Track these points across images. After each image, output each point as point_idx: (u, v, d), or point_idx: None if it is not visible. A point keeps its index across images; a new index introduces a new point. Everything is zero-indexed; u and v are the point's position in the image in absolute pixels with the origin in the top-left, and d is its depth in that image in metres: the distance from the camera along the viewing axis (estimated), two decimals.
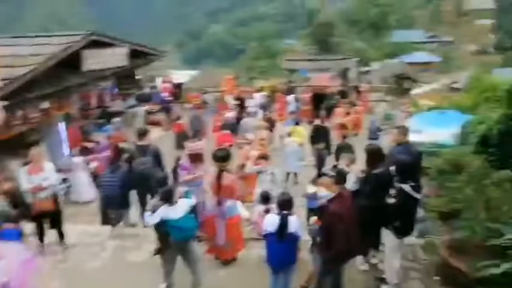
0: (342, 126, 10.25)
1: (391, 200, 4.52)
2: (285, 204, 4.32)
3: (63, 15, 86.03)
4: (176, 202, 4.62)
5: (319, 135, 10.50)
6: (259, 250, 5.39)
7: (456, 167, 5.60)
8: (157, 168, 6.45)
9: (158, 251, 4.71)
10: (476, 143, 6.35)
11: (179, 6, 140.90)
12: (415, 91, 16.36)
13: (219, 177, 4.93)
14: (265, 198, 5.78)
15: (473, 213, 4.55)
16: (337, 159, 9.48)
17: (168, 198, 4.58)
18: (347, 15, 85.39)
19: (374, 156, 4.79)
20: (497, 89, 10.91)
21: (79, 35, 10.48)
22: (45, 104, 9.97)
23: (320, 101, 15.74)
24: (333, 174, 3.82)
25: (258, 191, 6.69)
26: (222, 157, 4.95)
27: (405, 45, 69.25)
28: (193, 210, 4.90)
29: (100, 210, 7.20)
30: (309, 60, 19.19)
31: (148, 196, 6.36)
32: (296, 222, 4.32)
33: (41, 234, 5.82)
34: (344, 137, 9.55)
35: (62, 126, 11.36)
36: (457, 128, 8.46)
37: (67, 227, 6.07)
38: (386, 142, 11.99)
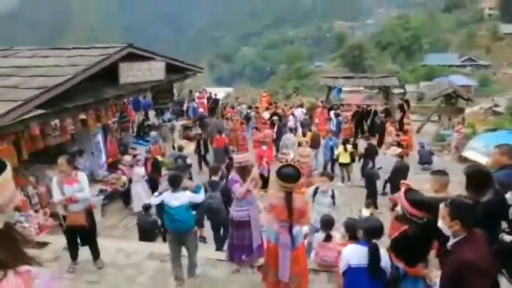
0: (398, 146, 9.45)
1: (507, 238, 3.55)
2: (376, 232, 3.46)
3: (100, 39, 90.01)
4: (179, 191, 4.61)
5: (369, 155, 9.69)
6: (320, 285, 4.64)
7: None
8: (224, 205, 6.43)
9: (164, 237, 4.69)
10: None
11: (212, 29, 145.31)
12: (468, 111, 15.21)
13: (289, 199, 3.96)
14: (327, 224, 4.95)
15: None
16: (392, 181, 8.67)
17: (172, 184, 4.64)
18: (378, 39, 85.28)
19: (480, 180, 3.79)
20: None
21: (116, 47, 10.24)
22: (82, 115, 9.66)
23: (362, 119, 14.93)
24: (449, 204, 2.82)
25: (313, 214, 5.86)
26: (292, 176, 3.95)
27: (440, 68, 67.77)
28: (197, 206, 4.87)
29: (139, 226, 6.72)
30: (348, 77, 18.25)
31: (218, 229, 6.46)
32: (386, 255, 3.50)
33: (73, 251, 5.24)
34: (401, 157, 8.65)
35: (99, 137, 11.17)
36: None
37: (103, 243, 5.46)
38: (439, 165, 11.15)
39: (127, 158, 10.76)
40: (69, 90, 8.77)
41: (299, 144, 11.17)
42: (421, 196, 3.43)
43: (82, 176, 5.05)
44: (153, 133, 13.06)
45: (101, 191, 9.64)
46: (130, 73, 10.93)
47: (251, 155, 5.22)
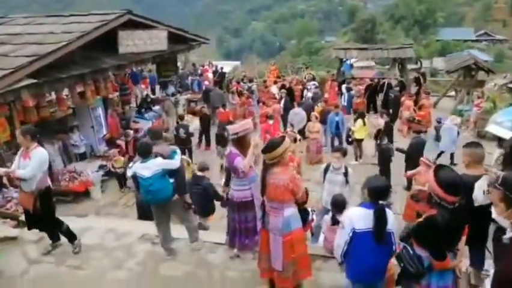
0: (418, 122, 8.89)
1: None
2: (381, 193, 2.99)
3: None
4: (150, 159, 4.17)
5: (387, 132, 9.11)
6: (330, 274, 4.08)
7: None
8: None
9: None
10: None
11: (220, 3, 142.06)
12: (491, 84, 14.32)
13: (263, 172, 3.51)
14: (337, 205, 4.38)
15: None
16: (407, 158, 8.09)
17: (142, 153, 4.23)
18: (391, 12, 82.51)
19: None
20: None
21: (115, 13, 9.63)
22: (80, 87, 9.15)
23: (375, 93, 14.20)
24: (501, 185, 2.17)
25: (323, 194, 5.32)
26: (269, 145, 3.47)
27: (454, 43, 65.46)
28: (174, 173, 4.33)
29: (138, 203, 6.34)
30: (361, 49, 17.30)
31: None
32: (393, 218, 3.05)
33: (47, 233, 4.68)
34: (419, 132, 8.04)
35: (100, 111, 10.73)
36: None
37: (93, 223, 5.02)
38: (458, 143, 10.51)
39: (129, 133, 10.34)
40: (64, 59, 8.26)
41: (308, 119, 10.62)
42: (455, 175, 2.82)
43: (36, 153, 4.22)
44: (156, 107, 12.56)
45: (101, 167, 9.26)
46: (130, 42, 10.39)
47: (250, 121, 4.43)
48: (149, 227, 4.83)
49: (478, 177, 3.31)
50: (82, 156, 9.92)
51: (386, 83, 13.99)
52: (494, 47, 68.87)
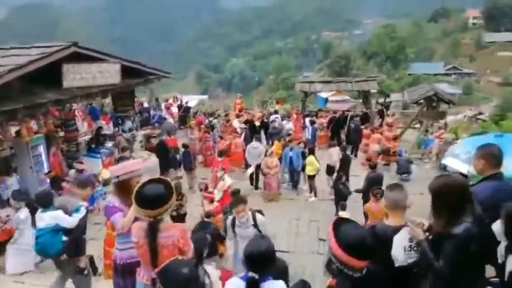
0: (393, 153, 8.52)
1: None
2: (257, 261, 2.31)
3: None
4: (49, 210, 3.97)
5: (344, 167, 8.67)
6: None
7: None
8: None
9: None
10: None
11: (200, 40, 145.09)
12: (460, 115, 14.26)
13: (152, 235, 2.68)
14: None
15: None
16: (365, 195, 7.59)
17: (41, 203, 4.07)
18: (365, 49, 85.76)
19: (452, 200, 2.43)
20: None
21: (59, 45, 9.10)
22: (14, 124, 8.45)
23: (339, 126, 13.92)
24: None
25: (238, 252, 4.29)
26: (152, 200, 2.63)
27: (424, 76, 67.93)
28: (70, 231, 3.95)
29: None
30: (325, 82, 17.19)
31: None
32: None
33: None
34: (374, 167, 7.64)
35: (41, 149, 9.92)
36: None
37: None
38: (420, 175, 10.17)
39: (72, 174, 9.51)
40: None
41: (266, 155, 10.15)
42: (361, 232, 2.21)
43: None
44: (109, 144, 11.84)
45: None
46: (77, 76, 9.81)
47: (138, 162, 3.61)
48: None
49: (397, 229, 2.64)
50: None
51: (349, 115, 13.79)
52: (463, 80, 71.96)
